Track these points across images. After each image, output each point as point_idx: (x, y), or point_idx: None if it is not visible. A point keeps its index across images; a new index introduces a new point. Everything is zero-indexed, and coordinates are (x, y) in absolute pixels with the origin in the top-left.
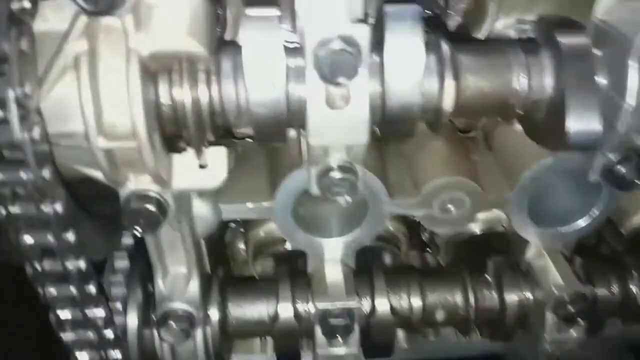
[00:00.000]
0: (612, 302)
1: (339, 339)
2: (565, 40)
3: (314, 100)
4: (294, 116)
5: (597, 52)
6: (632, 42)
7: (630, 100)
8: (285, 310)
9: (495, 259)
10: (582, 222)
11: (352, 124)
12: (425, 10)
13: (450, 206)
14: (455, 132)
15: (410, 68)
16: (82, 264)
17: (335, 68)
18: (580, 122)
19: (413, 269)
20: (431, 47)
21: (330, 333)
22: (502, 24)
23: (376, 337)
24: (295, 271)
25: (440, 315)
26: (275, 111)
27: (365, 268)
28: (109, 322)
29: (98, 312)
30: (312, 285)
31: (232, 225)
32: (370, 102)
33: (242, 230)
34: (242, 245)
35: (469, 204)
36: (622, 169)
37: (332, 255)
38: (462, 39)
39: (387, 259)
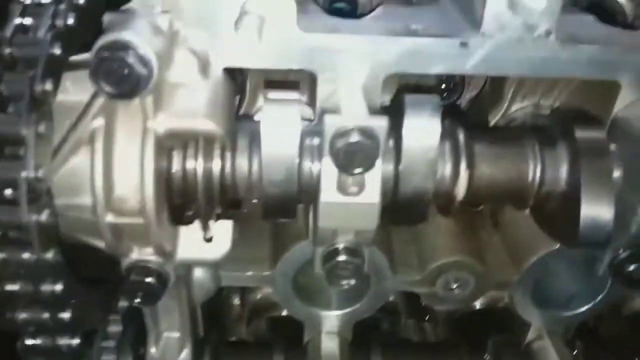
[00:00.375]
0: None
1: None
2: (583, 134)
3: (327, 185)
4: (306, 195)
5: (612, 146)
6: None
7: None
8: None
9: (496, 338)
10: (584, 308)
11: (363, 210)
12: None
13: (454, 285)
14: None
15: (425, 155)
16: (74, 341)
17: (352, 159)
18: (593, 219)
19: (411, 343)
20: (447, 134)
21: None
22: (517, 107)
23: None
24: (290, 338)
25: None
26: (286, 189)
27: (363, 338)
28: None
29: None
30: (306, 356)
31: None
32: (384, 187)
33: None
34: (237, 301)
35: (473, 284)
36: (631, 268)
37: (330, 328)
38: (478, 124)
39: (385, 325)
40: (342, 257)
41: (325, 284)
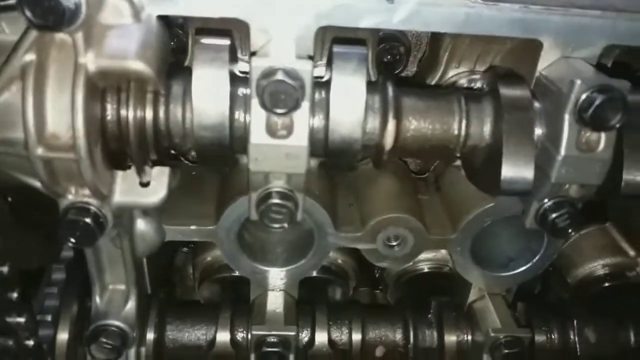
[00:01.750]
0: (551, 348)
1: None
2: (506, 91)
3: (256, 128)
4: (238, 142)
5: (537, 104)
6: (568, 97)
7: (563, 151)
8: (223, 337)
9: (439, 299)
10: (522, 269)
11: (292, 152)
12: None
13: (393, 242)
14: (407, 171)
15: (352, 105)
16: (4, 269)
17: (276, 99)
18: (514, 170)
19: (357, 303)
20: (377, 88)
21: None
22: (453, 73)
23: None
24: (237, 297)
25: (379, 352)
26: (218, 135)
27: (310, 301)
28: (31, 332)
29: (19, 320)
30: (251, 312)
31: (185, 250)
32: (314, 134)
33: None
34: (191, 270)
35: (412, 242)
36: (554, 216)
37: (276, 284)
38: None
39: (337, 294)
40: (274, 200)
41: (270, 240)
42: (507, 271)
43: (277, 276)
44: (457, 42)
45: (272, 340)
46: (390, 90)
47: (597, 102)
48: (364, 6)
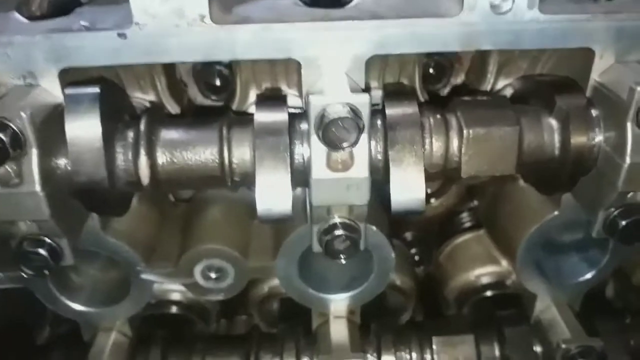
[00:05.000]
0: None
1: None
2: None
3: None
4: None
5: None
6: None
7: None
8: None
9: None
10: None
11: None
12: None
13: (212, 275)
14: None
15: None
16: None
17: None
18: (267, 202)
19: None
20: (129, 125)
21: None
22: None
23: None
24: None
25: None
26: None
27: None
28: None
29: None
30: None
31: None
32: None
33: None
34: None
35: (232, 272)
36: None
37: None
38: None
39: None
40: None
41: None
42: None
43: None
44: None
45: None
46: (143, 125)
47: None
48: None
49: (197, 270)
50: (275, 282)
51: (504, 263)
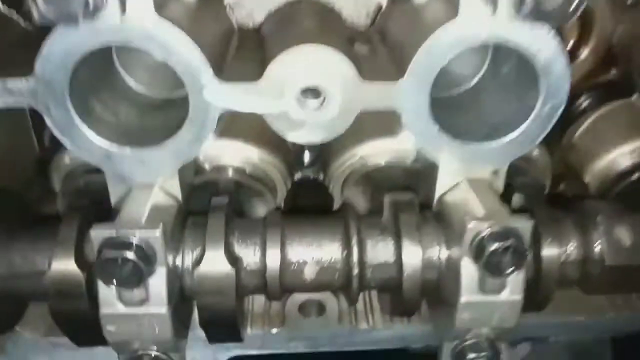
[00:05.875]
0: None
1: None
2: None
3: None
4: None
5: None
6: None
7: None
8: None
9: (396, 198)
10: (514, 135)
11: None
12: None
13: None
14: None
15: None
16: None
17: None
18: None
19: (277, 211)
20: None
21: None
22: None
23: None
24: None
25: (309, 272)
26: None
27: None
28: None
29: None
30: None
31: None
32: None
33: None
34: None
35: (340, 96)
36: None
37: None
38: None
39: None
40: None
41: None
42: (493, 141)
43: None
44: None
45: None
46: None
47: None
48: None
49: (291, 90)
50: None
51: None
